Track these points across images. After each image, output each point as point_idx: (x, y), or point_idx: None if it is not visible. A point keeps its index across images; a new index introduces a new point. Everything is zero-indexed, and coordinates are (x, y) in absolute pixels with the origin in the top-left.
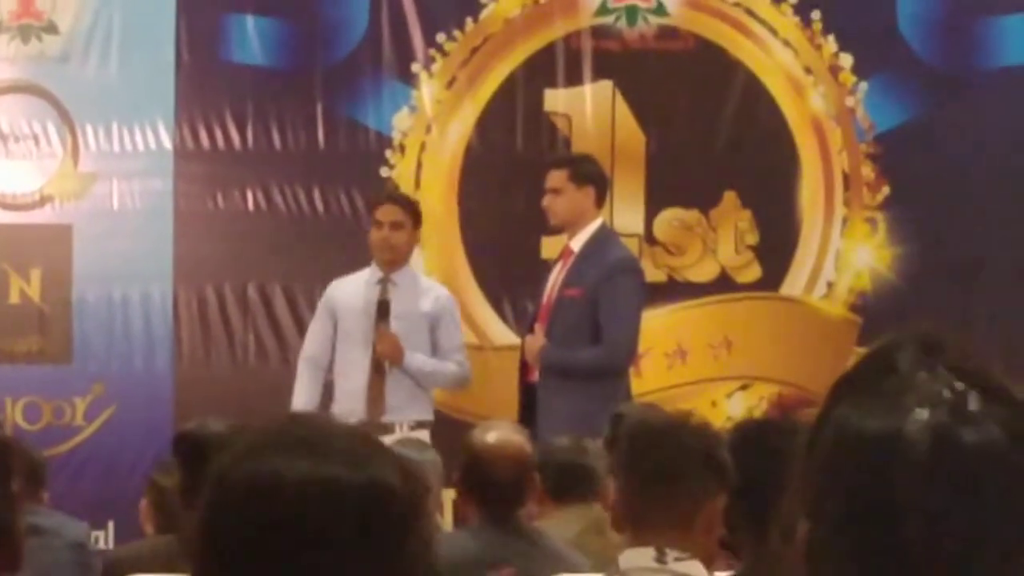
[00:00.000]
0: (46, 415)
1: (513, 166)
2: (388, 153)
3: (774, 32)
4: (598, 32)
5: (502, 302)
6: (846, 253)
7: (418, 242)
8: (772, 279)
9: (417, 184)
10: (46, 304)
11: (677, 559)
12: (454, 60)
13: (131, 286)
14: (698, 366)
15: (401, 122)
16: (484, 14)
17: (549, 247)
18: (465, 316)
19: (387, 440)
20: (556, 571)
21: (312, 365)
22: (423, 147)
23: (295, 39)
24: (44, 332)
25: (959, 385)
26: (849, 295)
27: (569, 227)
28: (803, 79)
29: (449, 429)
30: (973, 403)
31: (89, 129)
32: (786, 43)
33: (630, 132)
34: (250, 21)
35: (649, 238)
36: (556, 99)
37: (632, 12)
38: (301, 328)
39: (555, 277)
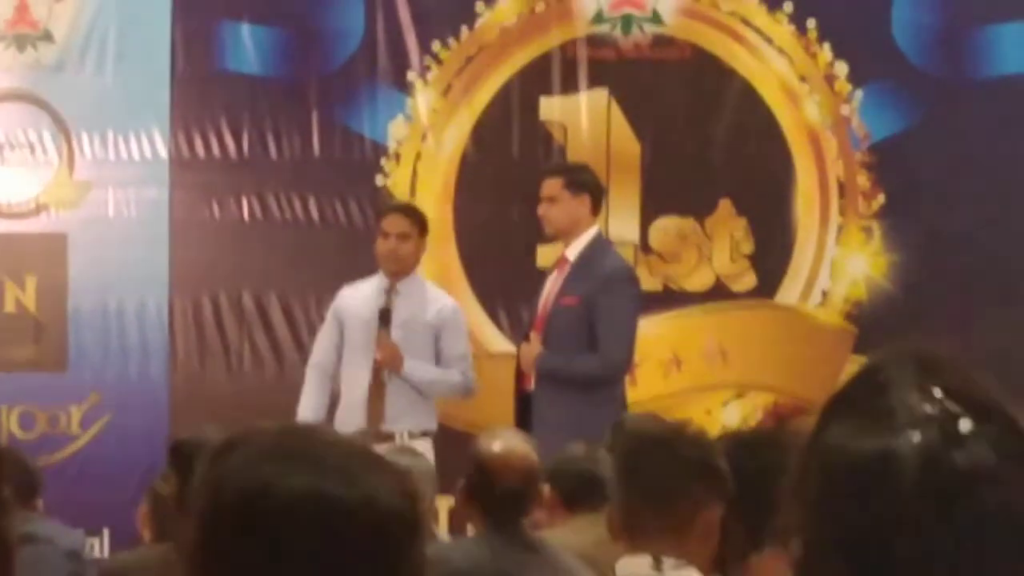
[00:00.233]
0: (41, 423)
1: (508, 174)
2: (383, 161)
3: (769, 41)
4: (593, 41)
5: (497, 310)
6: (841, 262)
7: (425, 251)
8: (767, 287)
9: (412, 192)
10: (41, 313)
11: (674, 567)
12: (449, 68)
13: (127, 295)
14: (693, 374)
15: (396, 130)
16: (480, 22)
17: (544, 255)
18: None
19: (381, 449)
20: None
21: (318, 372)
22: (418, 155)
23: (290, 48)
24: (39, 340)
25: (950, 405)
26: (844, 304)
27: (565, 236)
28: (798, 88)
29: (444, 437)
30: (964, 424)
31: (85, 137)
32: (781, 52)
33: (625, 140)
34: (245, 30)
35: (644, 246)
36: (551, 107)
37: (627, 21)
38: (297, 336)
39: (551, 286)
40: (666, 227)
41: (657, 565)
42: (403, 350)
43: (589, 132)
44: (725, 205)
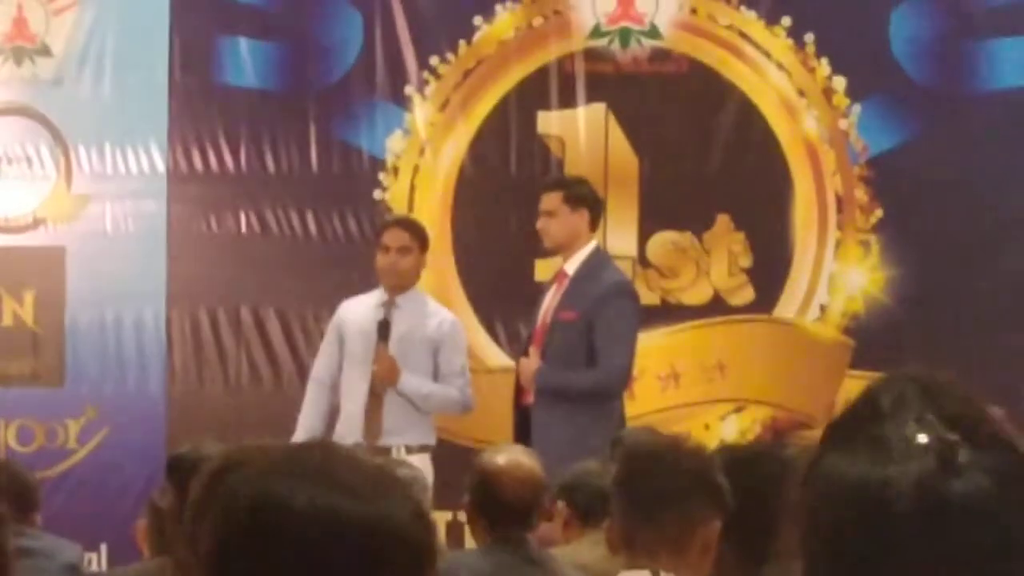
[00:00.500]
0: (39, 437)
1: (506, 188)
2: (381, 175)
3: (767, 55)
4: (591, 55)
5: (495, 325)
6: (839, 276)
7: (425, 265)
8: (765, 302)
9: (410, 207)
10: (39, 326)
11: None
12: (447, 82)
13: (124, 308)
14: (691, 389)
15: (394, 144)
16: (477, 37)
17: (543, 269)
18: None
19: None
20: None
21: (318, 386)
22: (416, 170)
23: (288, 61)
24: (37, 354)
25: (948, 433)
26: (842, 318)
27: (563, 250)
28: (796, 102)
29: (444, 452)
30: (961, 453)
31: (82, 151)
32: (779, 66)
33: (623, 154)
34: (243, 43)
35: (642, 261)
36: (549, 121)
37: (625, 35)
38: (294, 350)
39: (549, 300)
40: (664, 241)
41: None
42: (401, 364)
43: (587, 146)
44: (723, 219)
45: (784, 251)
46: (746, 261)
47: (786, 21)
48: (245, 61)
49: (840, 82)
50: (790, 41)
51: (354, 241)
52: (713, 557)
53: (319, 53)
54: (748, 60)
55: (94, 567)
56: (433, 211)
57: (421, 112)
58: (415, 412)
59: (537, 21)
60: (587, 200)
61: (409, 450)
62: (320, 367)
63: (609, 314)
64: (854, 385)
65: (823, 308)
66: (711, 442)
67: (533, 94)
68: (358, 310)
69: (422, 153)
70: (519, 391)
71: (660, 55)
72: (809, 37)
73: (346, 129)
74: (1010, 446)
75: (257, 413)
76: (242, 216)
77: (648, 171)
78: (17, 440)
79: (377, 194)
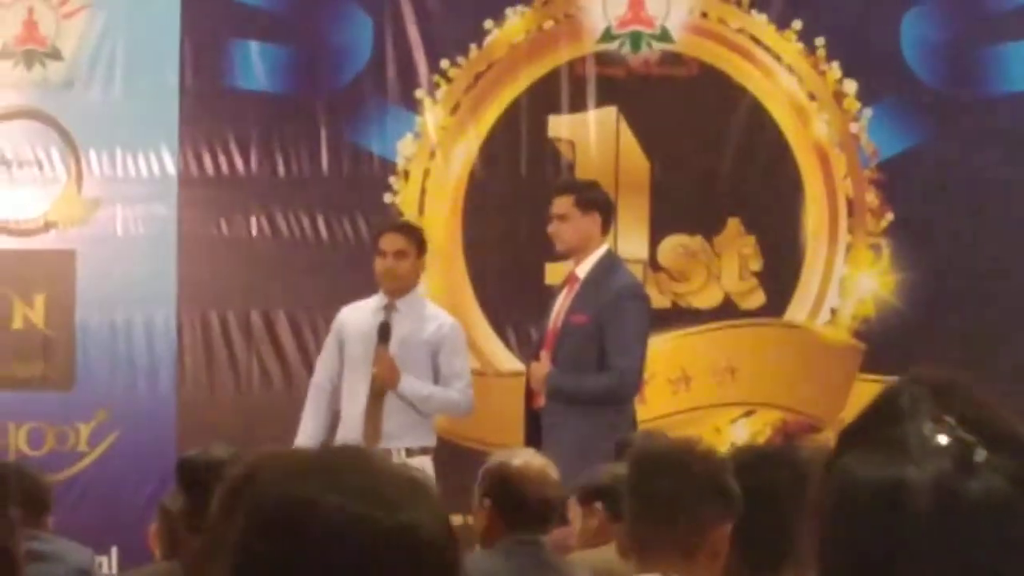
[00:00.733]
0: (50, 441)
1: (517, 192)
2: (392, 179)
3: (778, 58)
4: (602, 58)
5: (506, 328)
6: (850, 279)
7: (424, 269)
8: (776, 305)
9: (421, 210)
10: (50, 330)
11: None
12: (458, 86)
13: (135, 312)
14: (702, 392)
15: (405, 148)
16: (488, 40)
17: (553, 273)
18: (468, 342)
19: None
20: None
21: (319, 390)
22: (427, 173)
23: (299, 65)
24: (48, 358)
25: (964, 435)
26: (853, 321)
27: (575, 253)
28: (807, 105)
29: (453, 456)
30: (978, 454)
31: (93, 155)
32: (790, 69)
33: (634, 158)
34: (254, 47)
35: (653, 264)
36: (560, 125)
37: (636, 38)
38: (304, 353)
39: (561, 303)
40: (675, 245)
41: None
42: (401, 367)
43: (598, 150)
44: (734, 223)
45: (795, 255)
46: (757, 265)
47: (797, 25)
48: (255, 64)
49: (851, 86)
50: (801, 45)
51: (364, 244)
52: (722, 562)
53: (330, 56)
54: (759, 64)
55: (105, 571)
56: (443, 214)
57: (432, 115)
58: (415, 415)
59: (548, 24)
60: (598, 204)
61: (410, 452)
62: (320, 372)
63: (620, 317)
64: (865, 389)
65: (834, 312)
66: (722, 446)
67: (544, 97)
68: (358, 314)
69: (432, 156)
70: (530, 394)
71: (671, 59)
72: (820, 41)
73: (357, 132)
74: None
75: (267, 416)
76: (252, 219)
77: (659, 175)
78: (28, 443)
79: (388, 197)
